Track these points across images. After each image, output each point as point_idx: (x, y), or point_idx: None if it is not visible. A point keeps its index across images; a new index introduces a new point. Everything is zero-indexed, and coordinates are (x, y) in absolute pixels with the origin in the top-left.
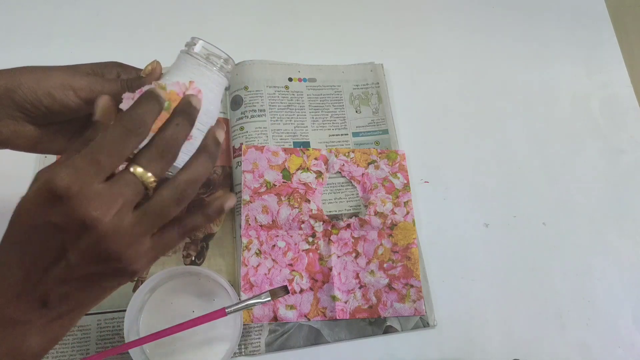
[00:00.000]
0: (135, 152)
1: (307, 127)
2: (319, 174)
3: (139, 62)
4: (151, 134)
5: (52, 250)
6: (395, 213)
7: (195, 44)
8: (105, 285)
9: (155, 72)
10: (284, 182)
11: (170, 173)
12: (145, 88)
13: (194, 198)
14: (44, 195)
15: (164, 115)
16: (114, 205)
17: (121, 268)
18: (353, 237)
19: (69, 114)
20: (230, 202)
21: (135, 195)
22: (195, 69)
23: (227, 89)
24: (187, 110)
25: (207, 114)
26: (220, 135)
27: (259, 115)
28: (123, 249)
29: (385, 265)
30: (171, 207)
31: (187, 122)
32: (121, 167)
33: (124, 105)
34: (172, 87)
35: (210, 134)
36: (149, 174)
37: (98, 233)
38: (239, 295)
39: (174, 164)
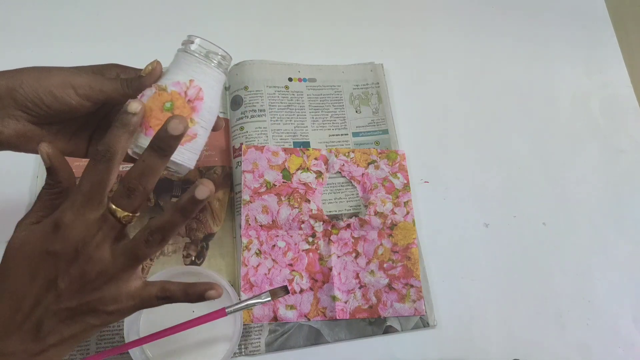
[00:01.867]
0: None
1: (307, 127)
2: (319, 174)
3: (139, 62)
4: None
5: (45, 280)
6: (395, 213)
7: (192, 42)
8: (89, 322)
9: (155, 72)
10: (284, 182)
11: (177, 173)
12: (147, 92)
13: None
14: (49, 228)
15: (166, 116)
16: (97, 236)
17: (102, 301)
18: (353, 237)
19: (70, 112)
20: (201, 190)
21: (111, 229)
22: (194, 66)
23: (227, 88)
24: (159, 144)
25: (209, 111)
26: (201, 193)
27: (259, 115)
28: (106, 280)
29: (385, 265)
30: (140, 247)
31: (157, 156)
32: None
33: None
34: (173, 87)
35: (188, 192)
36: (120, 210)
37: (85, 258)
38: (239, 295)
39: (179, 161)
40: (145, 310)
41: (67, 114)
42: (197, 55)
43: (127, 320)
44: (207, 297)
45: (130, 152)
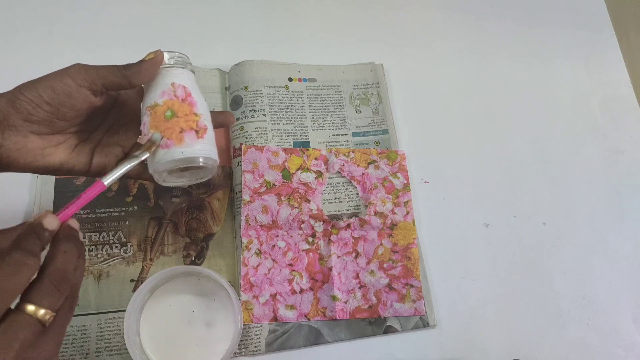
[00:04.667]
0: None
1: (307, 127)
2: (319, 174)
3: None
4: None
5: None
6: (395, 213)
7: None
8: None
9: (157, 59)
10: (284, 182)
11: (208, 174)
12: (144, 119)
13: (195, 198)
14: None
15: (175, 122)
16: (10, 351)
17: None
18: (353, 237)
19: (71, 106)
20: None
21: (33, 335)
22: (166, 75)
23: (227, 88)
24: (72, 235)
25: (201, 103)
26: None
27: (259, 115)
28: None
29: (385, 265)
30: (61, 319)
31: (74, 247)
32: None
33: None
34: (162, 98)
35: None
36: (43, 311)
37: None
38: (239, 295)
39: (205, 154)
40: (145, 310)
41: (69, 110)
42: (166, 65)
43: (127, 320)
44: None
45: (158, 177)
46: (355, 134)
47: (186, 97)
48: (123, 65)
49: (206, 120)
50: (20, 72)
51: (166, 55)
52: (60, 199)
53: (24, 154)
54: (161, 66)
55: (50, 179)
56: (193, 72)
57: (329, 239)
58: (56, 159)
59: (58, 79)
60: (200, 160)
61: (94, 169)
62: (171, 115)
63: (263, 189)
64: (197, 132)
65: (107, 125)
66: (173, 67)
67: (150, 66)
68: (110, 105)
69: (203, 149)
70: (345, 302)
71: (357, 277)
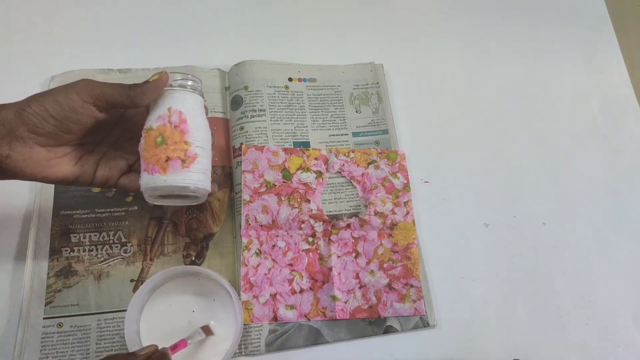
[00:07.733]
0: None
1: (307, 127)
2: (319, 174)
3: (140, 62)
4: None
5: None
6: (395, 213)
7: None
8: None
9: (161, 80)
10: (284, 182)
11: (198, 200)
12: (141, 141)
13: (195, 202)
14: None
15: (163, 149)
16: None
17: None
18: (353, 237)
19: (76, 120)
20: None
21: None
22: (169, 97)
23: (227, 88)
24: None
25: (197, 129)
26: None
27: (259, 115)
28: None
29: (385, 265)
30: None
31: None
32: None
33: None
34: (157, 123)
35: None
36: None
37: None
38: (239, 294)
39: (191, 184)
40: (145, 311)
41: (74, 124)
42: (168, 87)
43: (127, 320)
44: None
45: (147, 198)
46: (355, 134)
47: (179, 123)
48: (129, 86)
49: (197, 148)
50: (19, 69)
51: (172, 77)
52: (60, 200)
53: (30, 164)
54: (165, 87)
55: None
56: (201, 95)
57: (329, 239)
58: (61, 170)
59: (64, 93)
60: (190, 189)
61: (97, 180)
62: (161, 141)
63: (263, 189)
64: (183, 161)
65: (113, 138)
66: (176, 90)
67: (154, 88)
68: (117, 119)
69: (187, 178)
70: (345, 302)
71: (357, 277)
